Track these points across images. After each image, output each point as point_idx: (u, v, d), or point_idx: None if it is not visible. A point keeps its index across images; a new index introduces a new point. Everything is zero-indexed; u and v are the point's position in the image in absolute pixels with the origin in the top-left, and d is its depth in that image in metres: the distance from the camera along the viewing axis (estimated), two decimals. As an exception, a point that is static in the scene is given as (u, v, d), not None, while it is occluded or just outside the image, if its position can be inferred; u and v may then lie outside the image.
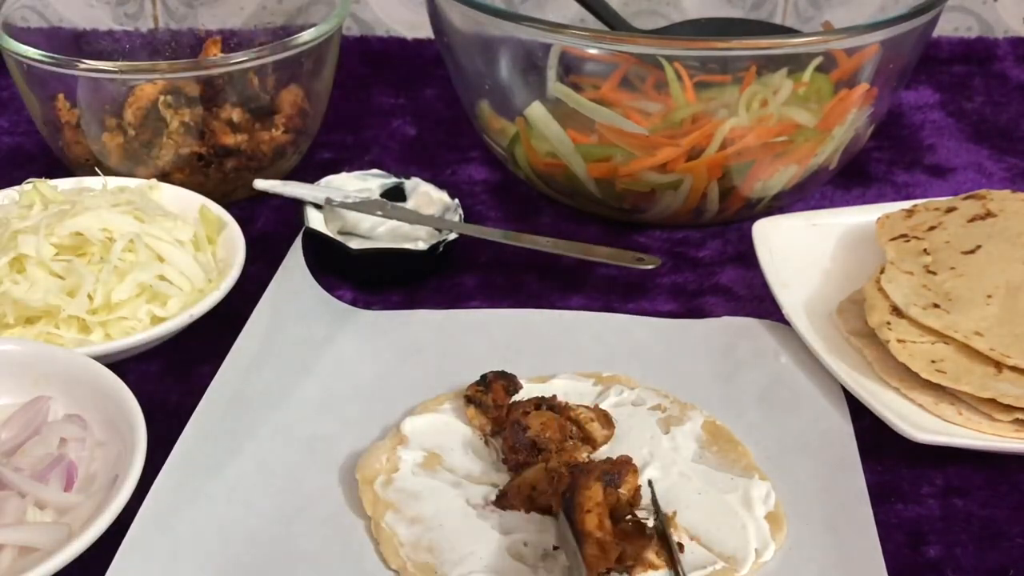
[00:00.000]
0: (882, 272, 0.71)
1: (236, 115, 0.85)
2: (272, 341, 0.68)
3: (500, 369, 0.65)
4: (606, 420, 0.62)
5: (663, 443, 0.62)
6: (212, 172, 0.85)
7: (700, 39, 0.85)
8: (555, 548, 0.55)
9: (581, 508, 0.53)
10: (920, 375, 0.64)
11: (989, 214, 0.74)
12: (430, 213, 0.81)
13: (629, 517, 0.55)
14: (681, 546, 0.54)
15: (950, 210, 0.76)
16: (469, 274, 0.79)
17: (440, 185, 0.83)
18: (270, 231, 0.84)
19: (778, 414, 0.65)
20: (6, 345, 0.64)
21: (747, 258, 0.78)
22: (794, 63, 0.77)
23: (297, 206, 0.81)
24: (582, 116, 0.80)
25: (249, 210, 0.85)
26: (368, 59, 1.12)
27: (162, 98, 0.82)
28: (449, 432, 0.63)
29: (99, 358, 0.62)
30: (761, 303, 0.75)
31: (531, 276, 0.79)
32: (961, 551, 0.57)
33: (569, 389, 0.66)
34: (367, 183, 0.83)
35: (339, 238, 0.77)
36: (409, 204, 0.82)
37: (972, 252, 0.71)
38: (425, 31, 1.00)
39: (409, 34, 1.13)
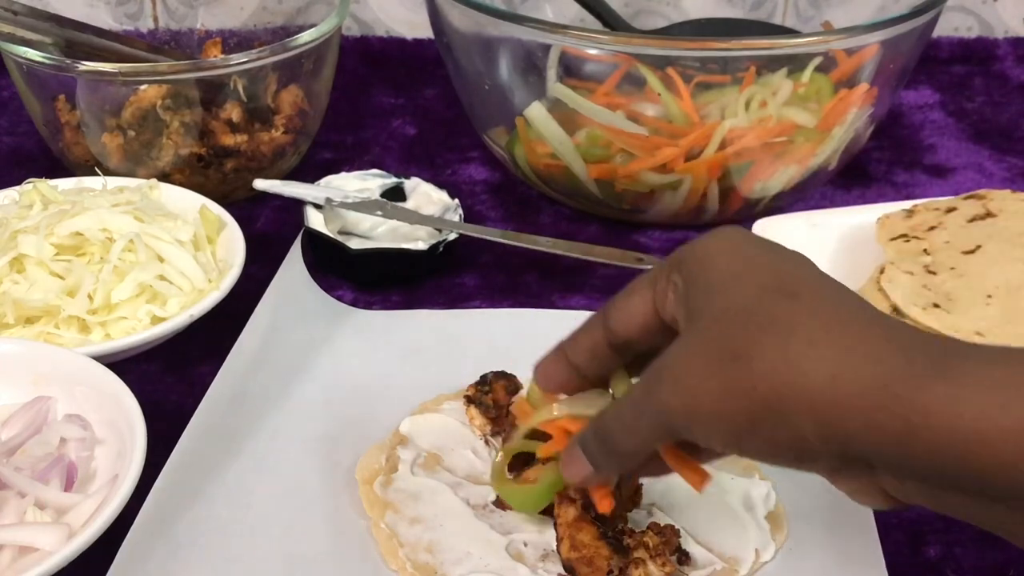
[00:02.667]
0: (882, 272, 0.71)
1: (236, 115, 0.85)
2: (272, 341, 0.68)
3: (500, 369, 0.65)
4: (606, 420, 0.62)
5: (663, 443, 0.62)
6: (212, 173, 0.85)
7: (700, 39, 0.85)
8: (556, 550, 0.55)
9: (557, 537, 0.54)
10: (920, 375, 0.63)
11: (989, 214, 0.74)
12: (430, 213, 0.81)
13: (621, 527, 0.55)
14: (687, 556, 0.54)
15: (950, 210, 0.76)
16: (469, 274, 0.79)
17: (440, 185, 0.83)
18: (270, 231, 0.84)
19: (778, 414, 0.65)
20: (6, 345, 0.64)
21: (747, 258, 0.78)
22: (794, 63, 0.77)
23: (297, 206, 0.81)
24: (578, 116, 0.80)
25: (249, 210, 0.85)
26: (368, 59, 1.12)
27: (160, 100, 0.82)
28: (449, 432, 0.63)
29: (99, 358, 0.62)
30: (761, 303, 0.75)
31: (531, 276, 0.79)
32: (961, 551, 0.57)
33: (569, 389, 0.66)
34: (367, 183, 0.83)
35: (339, 238, 0.77)
36: (409, 204, 0.83)
37: (972, 252, 0.71)
38: (425, 31, 1.00)
39: (409, 34, 1.13)
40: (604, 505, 0.52)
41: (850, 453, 0.40)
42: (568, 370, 0.51)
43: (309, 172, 0.88)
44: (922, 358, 0.39)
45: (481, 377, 0.64)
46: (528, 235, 0.79)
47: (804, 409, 0.39)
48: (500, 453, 0.57)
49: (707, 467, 0.60)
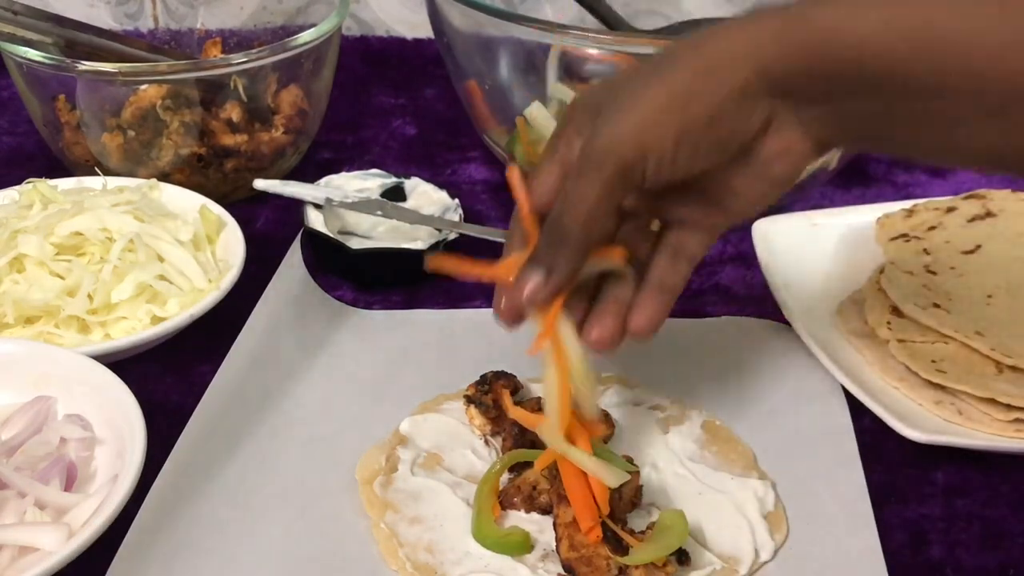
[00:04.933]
0: (882, 272, 0.71)
1: (236, 115, 0.85)
2: (272, 341, 0.68)
3: (500, 369, 0.65)
4: (606, 420, 0.62)
5: (663, 443, 0.62)
6: (212, 172, 0.85)
7: (700, 39, 0.85)
8: (556, 550, 0.55)
9: (556, 537, 0.54)
10: (920, 375, 0.64)
11: (989, 214, 0.74)
12: (430, 213, 0.81)
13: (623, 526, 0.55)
14: (687, 556, 0.54)
15: (950, 210, 0.76)
16: (469, 274, 0.79)
17: (440, 185, 0.83)
18: (270, 231, 0.84)
19: (778, 414, 0.65)
20: (6, 345, 0.64)
21: (747, 258, 0.78)
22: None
23: (297, 206, 0.81)
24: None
25: (249, 210, 0.85)
26: (368, 59, 1.12)
27: (160, 100, 0.82)
28: (449, 432, 0.63)
29: (99, 358, 0.62)
30: (761, 303, 0.75)
31: (531, 276, 0.79)
32: (962, 551, 0.57)
33: (569, 389, 0.66)
34: (367, 183, 0.83)
35: (339, 238, 0.77)
36: (409, 204, 0.82)
37: (972, 252, 0.71)
38: (425, 31, 1.00)
39: (409, 34, 1.13)
40: (592, 535, 0.53)
41: (776, 85, 0.48)
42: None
43: (309, 172, 0.88)
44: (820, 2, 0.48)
45: (481, 377, 0.64)
46: (528, 235, 0.79)
47: (738, 57, 0.48)
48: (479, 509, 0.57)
49: (706, 466, 0.60)
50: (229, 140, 0.85)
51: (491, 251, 0.80)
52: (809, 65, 0.48)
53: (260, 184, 0.83)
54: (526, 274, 0.53)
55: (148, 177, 0.80)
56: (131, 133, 0.84)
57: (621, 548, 0.53)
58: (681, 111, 0.49)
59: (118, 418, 0.59)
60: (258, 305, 0.69)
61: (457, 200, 0.82)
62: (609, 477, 0.54)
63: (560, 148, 0.53)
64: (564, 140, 0.53)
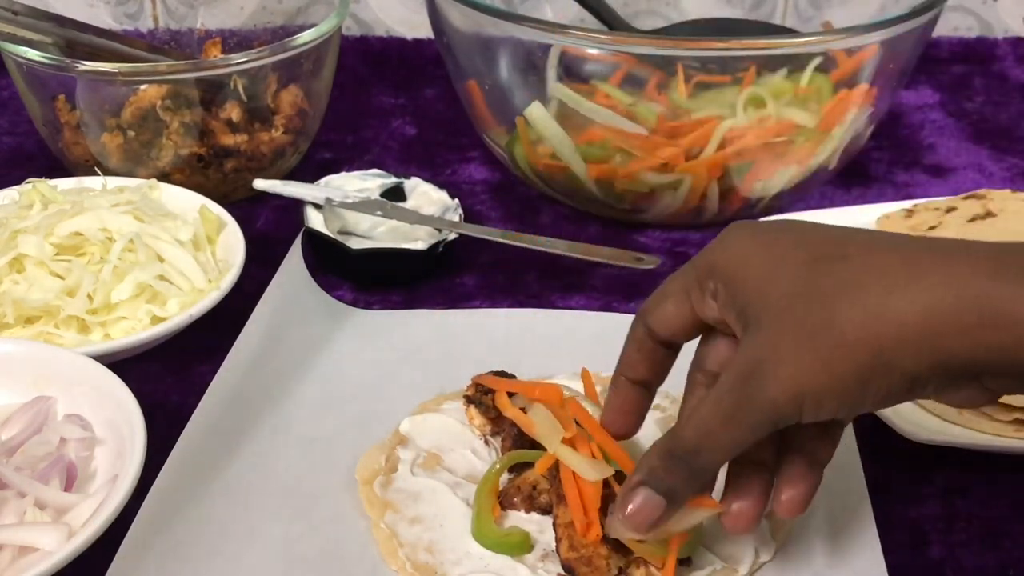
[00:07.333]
0: (882, 272, 0.71)
1: (236, 115, 0.85)
2: (272, 341, 0.68)
3: (500, 369, 0.65)
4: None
5: (663, 443, 0.62)
6: (212, 173, 0.85)
7: (700, 39, 0.85)
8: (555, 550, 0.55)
9: (556, 537, 0.54)
10: (920, 375, 0.64)
11: (989, 214, 0.74)
12: (430, 213, 0.81)
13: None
14: (689, 559, 0.54)
15: (950, 210, 0.76)
16: (469, 274, 0.79)
17: (440, 185, 0.83)
18: (270, 231, 0.84)
19: (778, 414, 0.65)
20: (6, 345, 0.64)
21: (747, 258, 0.78)
22: (794, 63, 0.77)
23: (297, 206, 0.81)
24: (578, 116, 0.80)
25: (249, 210, 0.85)
26: (368, 59, 1.12)
27: (160, 100, 0.82)
28: (448, 432, 0.63)
29: (99, 358, 0.62)
30: (761, 303, 0.75)
31: (531, 276, 0.79)
32: (962, 551, 0.57)
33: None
34: (367, 183, 0.83)
35: (339, 238, 0.77)
36: (409, 204, 0.83)
37: (972, 252, 0.71)
38: (425, 31, 1.00)
39: (409, 34, 1.13)
40: (590, 535, 0.52)
41: (957, 371, 0.42)
42: (634, 392, 0.53)
43: (309, 172, 0.88)
44: (1003, 269, 0.41)
45: (481, 377, 0.64)
46: (528, 235, 0.79)
47: (910, 350, 0.42)
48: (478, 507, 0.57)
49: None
50: (229, 140, 0.85)
51: (491, 251, 0.81)
52: (1001, 360, 0.41)
53: (260, 184, 0.83)
54: (641, 497, 0.48)
55: (148, 177, 0.80)
56: (131, 133, 0.84)
57: (621, 548, 0.53)
58: (847, 391, 0.44)
59: (118, 418, 0.59)
60: (258, 305, 0.69)
61: (457, 200, 0.82)
62: (589, 472, 0.53)
63: (693, 296, 0.49)
64: (697, 292, 0.49)
